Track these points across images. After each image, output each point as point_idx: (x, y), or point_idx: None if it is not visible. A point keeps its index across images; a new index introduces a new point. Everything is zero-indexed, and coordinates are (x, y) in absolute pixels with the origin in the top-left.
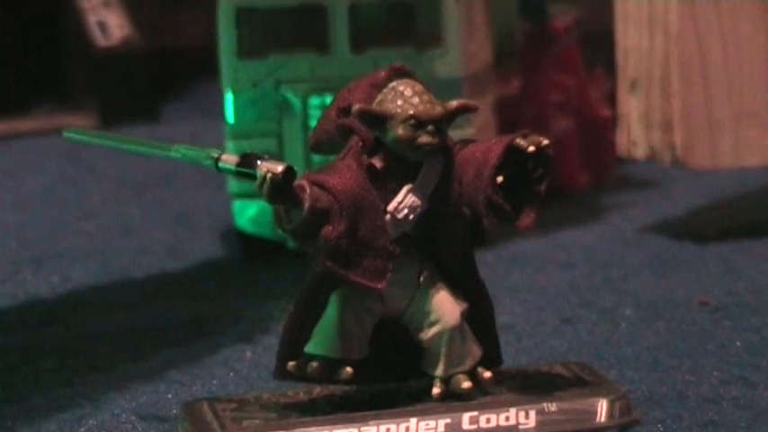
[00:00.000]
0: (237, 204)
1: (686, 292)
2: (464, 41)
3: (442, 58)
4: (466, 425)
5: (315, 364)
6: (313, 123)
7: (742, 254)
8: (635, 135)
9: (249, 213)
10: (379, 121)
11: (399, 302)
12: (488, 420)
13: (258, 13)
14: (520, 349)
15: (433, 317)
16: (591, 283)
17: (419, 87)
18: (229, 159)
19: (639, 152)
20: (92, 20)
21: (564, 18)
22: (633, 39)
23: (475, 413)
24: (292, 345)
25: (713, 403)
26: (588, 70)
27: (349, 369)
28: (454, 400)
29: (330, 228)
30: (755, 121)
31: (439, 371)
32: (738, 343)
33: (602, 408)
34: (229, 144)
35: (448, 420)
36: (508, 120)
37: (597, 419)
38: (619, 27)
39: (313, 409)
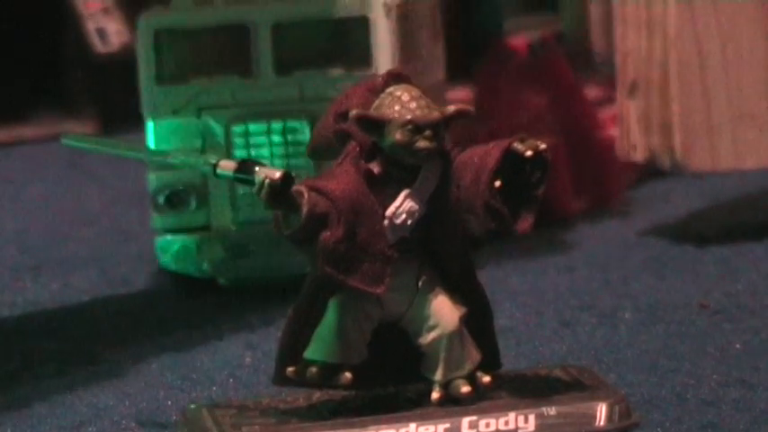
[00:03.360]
0: (161, 241)
1: (685, 294)
2: (404, 61)
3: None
4: (465, 429)
5: (314, 369)
6: (238, 152)
7: (741, 256)
8: (634, 138)
9: (173, 249)
10: (376, 126)
11: (398, 307)
12: (488, 425)
13: (177, 35)
14: (519, 353)
15: (431, 321)
16: (590, 286)
17: (416, 92)
18: (227, 165)
19: (639, 155)
20: (91, 27)
21: (537, 33)
22: (632, 41)
23: (474, 417)
24: (291, 350)
25: (712, 406)
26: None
27: (348, 374)
28: (453, 404)
29: (328, 233)
30: (754, 122)
31: (438, 375)
32: (738, 345)
33: (602, 411)
34: (151, 176)
35: (447, 425)
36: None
37: (597, 423)
38: (617, 30)
39: (312, 415)
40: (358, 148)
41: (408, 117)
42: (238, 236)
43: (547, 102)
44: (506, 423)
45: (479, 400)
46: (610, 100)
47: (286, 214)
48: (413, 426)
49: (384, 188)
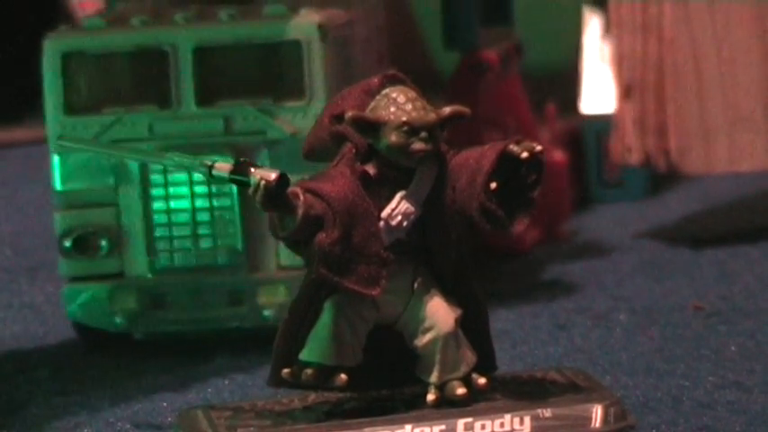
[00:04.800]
0: (67, 290)
1: (681, 296)
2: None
3: (305, 112)
4: (460, 431)
5: (309, 371)
6: (155, 191)
7: (736, 258)
8: (629, 141)
9: (81, 300)
10: (372, 127)
11: (393, 309)
12: (483, 427)
13: (88, 60)
14: (515, 355)
15: (427, 323)
16: (585, 289)
17: (412, 94)
18: (223, 167)
19: (634, 158)
20: None
21: (501, 46)
22: (627, 44)
23: (470, 419)
24: (286, 352)
25: (708, 408)
26: (537, 107)
27: (343, 376)
28: (449, 406)
29: (324, 235)
30: (749, 126)
31: (433, 377)
32: (733, 348)
33: (597, 413)
34: (57, 216)
35: (443, 427)
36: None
37: (592, 425)
38: (613, 33)
39: (308, 417)
40: (354, 150)
41: (404, 119)
42: (155, 285)
43: (516, 120)
44: (502, 425)
45: (475, 402)
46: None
47: (281, 216)
48: (408, 427)
49: (379, 190)
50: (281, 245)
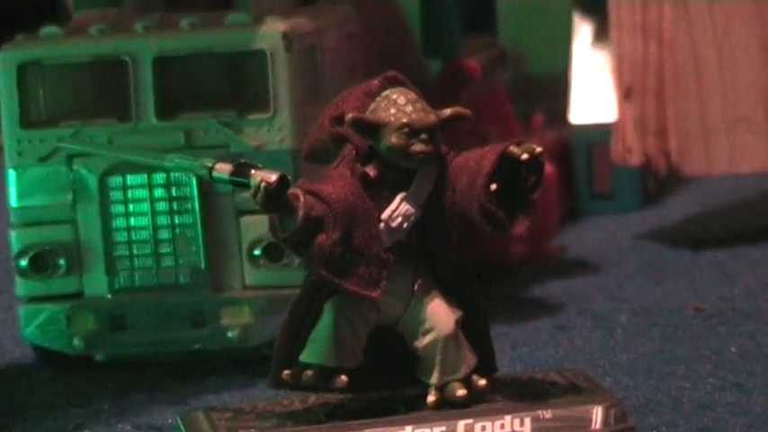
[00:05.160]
0: (23, 310)
1: (681, 298)
2: (311, 101)
3: (270, 125)
4: None
5: (309, 372)
6: (114, 208)
7: (737, 260)
8: (630, 142)
9: (38, 321)
10: (372, 129)
11: (394, 311)
12: (483, 428)
13: (45, 71)
14: (515, 357)
15: (427, 325)
16: (586, 290)
17: (412, 96)
18: (223, 168)
19: (634, 159)
20: None
21: (484, 54)
22: (627, 46)
23: (470, 421)
24: (287, 353)
25: (708, 409)
26: (526, 117)
27: (344, 377)
28: (449, 407)
29: (324, 236)
30: (750, 127)
31: (434, 379)
32: (733, 349)
33: (598, 414)
34: (12, 234)
35: (443, 428)
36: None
37: (592, 426)
38: (613, 34)
39: (308, 418)
40: (354, 152)
41: (404, 120)
42: (115, 305)
43: (500, 130)
44: (502, 426)
45: (475, 404)
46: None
47: (282, 218)
48: (409, 429)
49: (380, 191)
50: (246, 264)
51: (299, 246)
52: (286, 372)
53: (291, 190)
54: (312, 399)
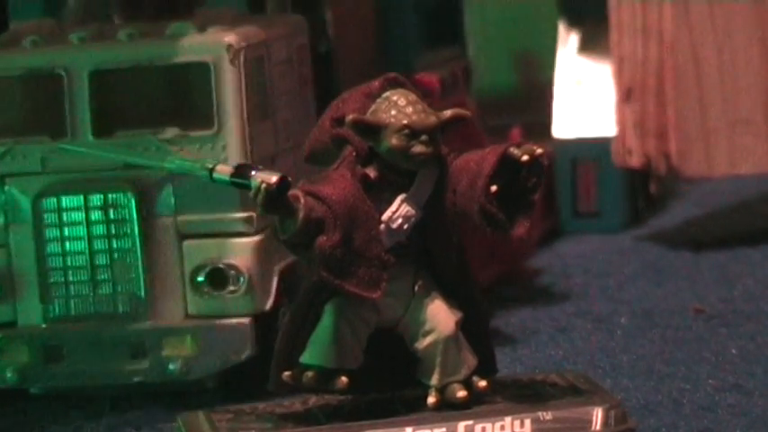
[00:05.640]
0: None
1: (681, 299)
2: (258, 115)
3: (214, 142)
4: None
5: (310, 373)
6: (49, 231)
7: (737, 262)
8: (630, 143)
9: None
10: (373, 131)
11: (394, 312)
12: (483, 429)
13: None
14: (515, 358)
15: (427, 326)
16: (586, 292)
17: (413, 97)
18: (224, 170)
19: (634, 161)
20: None
21: (447, 68)
22: (628, 47)
23: (470, 422)
24: (287, 355)
25: (708, 411)
26: (503, 130)
27: (344, 379)
28: (449, 409)
29: (324, 237)
30: (750, 128)
31: (434, 380)
32: (733, 350)
33: (598, 416)
34: None
35: (443, 429)
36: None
37: (593, 428)
38: (613, 36)
39: (308, 419)
40: (354, 153)
41: (405, 122)
42: (50, 335)
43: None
44: (502, 428)
45: (475, 405)
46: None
47: (282, 219)
48: (408, 430)
49: (380, 193)
50: (188, 291)
51: (299, 247)
52: (287, 373)
53: (292, 191)
54: (312, 400)
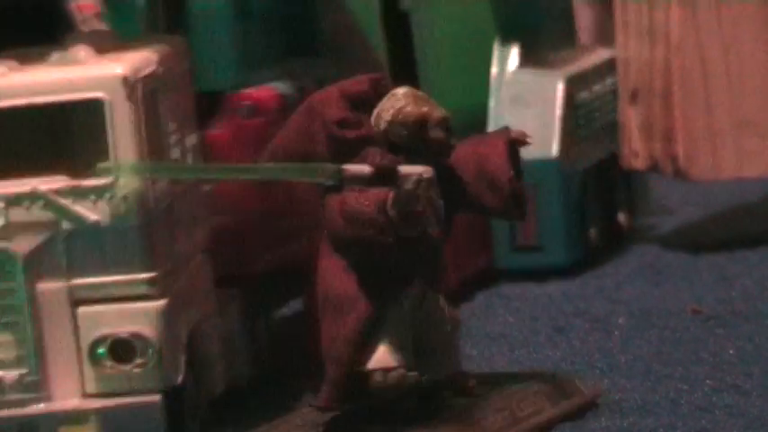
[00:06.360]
0: None
1: (679, 300)
2: (154, 161)
3: (112, 193)
4: None
5: (393, 374)
6: None
7: (735, 263)
8: (635, 145)
9: None
10: (414, 126)
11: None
12: None
13: None
14: (513, 359)
15: (428, 322)
16: (584, 292)
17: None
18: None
19: (640, 163)
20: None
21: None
22: (633, 49)
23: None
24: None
25: (706, 411)
26: None
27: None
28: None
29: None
30: (757, 130)
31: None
32: (731, 351)
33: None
34: None
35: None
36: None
37: None
38: (619, 37)
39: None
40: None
41: (440, 114)
42: None
43: None
44: None
45: (461, 405)
46: None
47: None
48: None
49: None
50: (86, 367)
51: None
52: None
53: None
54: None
